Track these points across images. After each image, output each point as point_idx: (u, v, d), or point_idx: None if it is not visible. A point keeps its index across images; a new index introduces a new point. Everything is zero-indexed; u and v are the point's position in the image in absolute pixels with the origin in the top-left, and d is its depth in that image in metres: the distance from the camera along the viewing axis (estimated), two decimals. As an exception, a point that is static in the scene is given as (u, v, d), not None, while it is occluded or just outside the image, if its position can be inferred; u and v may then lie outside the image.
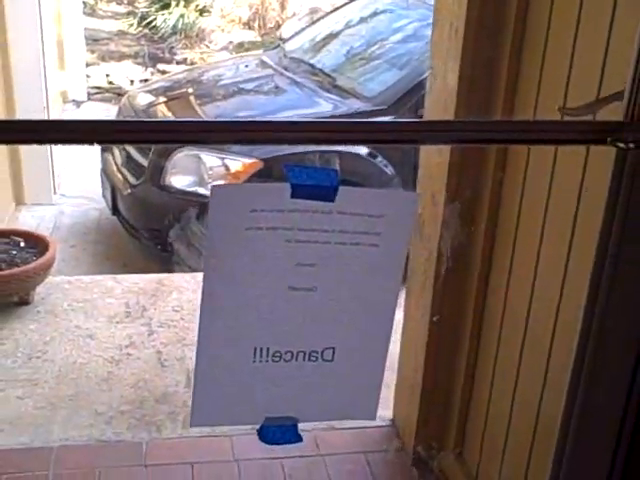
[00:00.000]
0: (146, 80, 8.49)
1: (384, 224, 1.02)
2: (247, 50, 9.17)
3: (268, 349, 1.05)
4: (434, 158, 2.13)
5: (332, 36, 5.78)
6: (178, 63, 8.83)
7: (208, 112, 5.09)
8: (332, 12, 6.53)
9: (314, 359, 1.07)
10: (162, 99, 5.30)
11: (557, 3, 1.68)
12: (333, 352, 1.07)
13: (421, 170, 2.28)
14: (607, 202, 1.08)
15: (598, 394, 1.14)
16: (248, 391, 1.07)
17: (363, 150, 4.70)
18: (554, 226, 1.73)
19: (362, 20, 5.88)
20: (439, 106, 2.08)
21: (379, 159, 4.71)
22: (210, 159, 4.54)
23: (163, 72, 8.55)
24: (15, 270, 2.99)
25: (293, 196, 0.99)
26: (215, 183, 4.48)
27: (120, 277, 3.53)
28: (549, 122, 1.19)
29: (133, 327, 3.31)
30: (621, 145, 1.02)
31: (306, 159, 4.58)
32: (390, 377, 2.55)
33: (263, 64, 5.49)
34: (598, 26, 1.48)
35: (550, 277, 1.74)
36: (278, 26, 10.01)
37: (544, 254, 1.78)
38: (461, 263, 2.16)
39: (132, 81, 8.49)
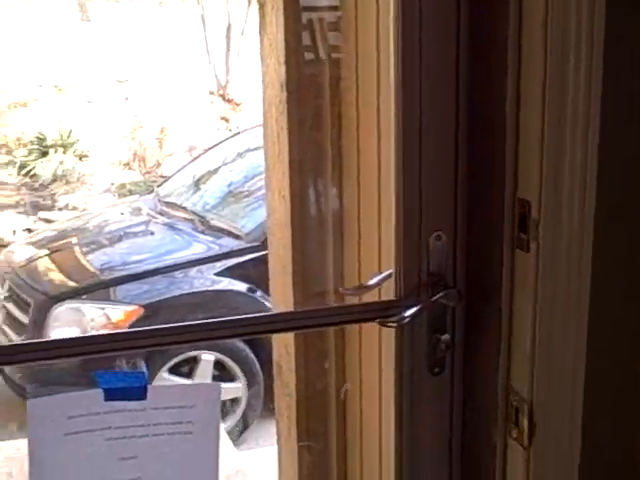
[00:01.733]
0: (29, 230, 8.49)
1: (194, 413, 1.15)
2: (130, 191, 9.31)
3: None
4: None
5: (206, 176, 6.00)
6: (60, 209, 8.88)
7: (91, 260, 5.19)
8: (206, 152, 6.80)
9: None
10: (44, 252, 5.36)
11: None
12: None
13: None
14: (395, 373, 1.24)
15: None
16: None
17: (242, 286, 4.86)
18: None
19: (234, 159, 6.14)
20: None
21: (258, 293, 4.88)
22: (91, 310, 4.59)
23: (46, 220, 8.58)
24: None
25: (106, 399, 1.11)
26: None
27: (2, 444, 3.50)
28: (334, 308, 1.36)
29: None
30: (391, 324, 1.19)
31: (187, 302, 4.72)
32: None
33: (138, 210, 5.65)
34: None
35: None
36: (158, 164, 10.26)
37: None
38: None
39: (14, 231, 8.47)
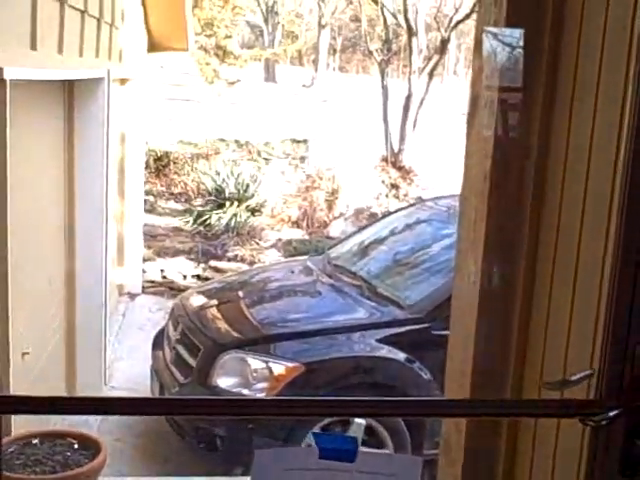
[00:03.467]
0: (198, 276, 8.95)
1: (395, 482, 1.24)
2: (295, 248, 9.65)
3: None
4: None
5: (374, 244, 6.16)
6: (229, 260, 9.31)
7: (256, 314, 5.42)
8: (375, 222, 6.98)
9: None
10: (214, 302, 5.65)
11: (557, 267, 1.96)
12: None
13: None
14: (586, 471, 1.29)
15: None
16: None
17: (401, 355, 4.93)
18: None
19: (402, 230, 6.28)
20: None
21: (416, 364, 4.93)
22: (255, 362, 4.79)
23: (215, 268, 9.01)
24: (69, 473, 3.18)
25: (320, 457, 1.22)
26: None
27: (165, 479, 3.69)
28: (533, 401, 1.42)
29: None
30: (590, 423, 1.24)
31: (347, 364, 4.85)
32: None
33: (307, 270, 5.86)
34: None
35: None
36: (325, 225, 10.56)
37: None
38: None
39: (185, 276, 8.94)
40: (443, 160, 15.84)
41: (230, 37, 13.31)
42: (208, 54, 13.42)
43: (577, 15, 1.89)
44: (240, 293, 5.81)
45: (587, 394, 1.44)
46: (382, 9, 15.09)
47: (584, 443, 1.74)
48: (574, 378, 1.35)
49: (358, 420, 4.89)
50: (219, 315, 5.48)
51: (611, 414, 1.23)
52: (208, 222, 10.17)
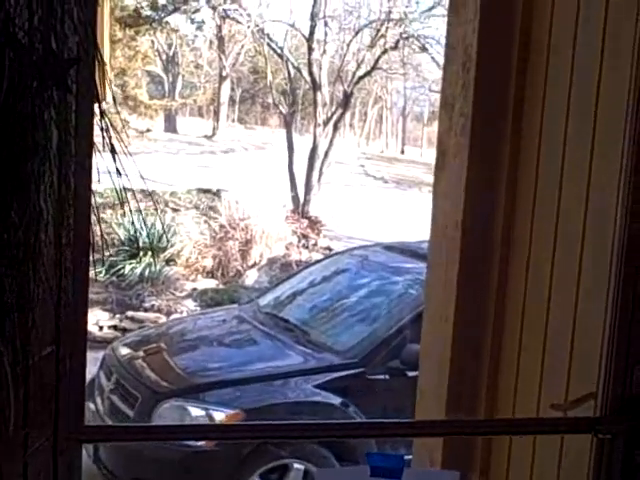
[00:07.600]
0: (115, 326, 8.88)
1: (435, 495, 1.40)
2: (211, 298, 9.70)
3: None
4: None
5: (302, 292, 6.33)
6: (146, 310, 9.27)
7: (193, 363, 5.46)
8: (299, 272, 7.16)
9: None
10: (141, 353, 5.65)
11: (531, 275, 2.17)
12: None
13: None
14: None
15: None
16: None
17: (336, 400, 5.08)
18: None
19: (326, 279, 6.49)
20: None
21: (351, 408, 5.08)
22: (195, 410, 4.84)
23: (132, 318, 8.96)
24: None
25: (372, 475, 1.36)
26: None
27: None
28: (546, 419, 1.61)
29: None
30: (601, 436, 1.43)
31: (284, 410, 4.95)
32: None
33: (240, 318, 5.96)
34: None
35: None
36: (240, 274, 10.66)
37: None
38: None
39: (101, 327, 8.86)
40: (347, 210, 16.28)
41: (140, 87, 13.35)
42: (118, 104, 13.43)
43: (545, 38, 2.14)
44: (173, 342, 5.85)
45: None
46: (287, 62, 15.47)
47: (562, 457, 1.94)
48: (576, 399, 1.54)
49: (297, 465, 5.01)
50: (156, 364, 5.48)
51: (616, 429, 1.42)
52: (121, 272, 10.09)
